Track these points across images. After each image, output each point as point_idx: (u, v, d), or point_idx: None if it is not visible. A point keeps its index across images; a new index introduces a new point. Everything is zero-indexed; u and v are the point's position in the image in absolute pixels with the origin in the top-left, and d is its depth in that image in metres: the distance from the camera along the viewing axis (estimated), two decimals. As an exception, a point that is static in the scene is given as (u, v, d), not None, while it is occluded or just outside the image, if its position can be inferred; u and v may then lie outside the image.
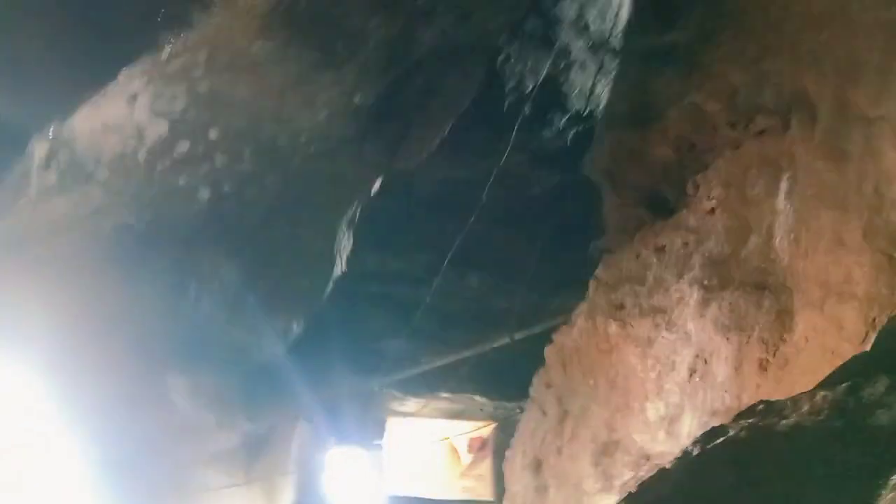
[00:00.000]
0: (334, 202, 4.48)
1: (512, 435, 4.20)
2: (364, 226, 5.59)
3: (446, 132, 4.73)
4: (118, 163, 3.34)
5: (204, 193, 3.44)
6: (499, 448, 7.59)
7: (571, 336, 3.47)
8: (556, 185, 6.77)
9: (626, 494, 2.91)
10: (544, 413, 3.60)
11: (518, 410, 4.82)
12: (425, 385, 7.35)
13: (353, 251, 5.54)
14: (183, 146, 3.22)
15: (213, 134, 3.24)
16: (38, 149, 3.40)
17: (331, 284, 5.22)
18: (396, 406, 7.76)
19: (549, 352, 3.66)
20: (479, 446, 8.10)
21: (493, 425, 7.89)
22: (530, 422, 3.71)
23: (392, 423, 7.83)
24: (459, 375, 7.23)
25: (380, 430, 7.75)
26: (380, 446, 7.72)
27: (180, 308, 4.12)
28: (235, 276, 4.17)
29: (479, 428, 7.86)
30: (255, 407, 4.85)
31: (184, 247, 3.75)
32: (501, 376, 6.59)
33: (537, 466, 3.51)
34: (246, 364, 4.79)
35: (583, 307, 3.45)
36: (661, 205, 3.42)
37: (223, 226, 3.74)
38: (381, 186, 5.50)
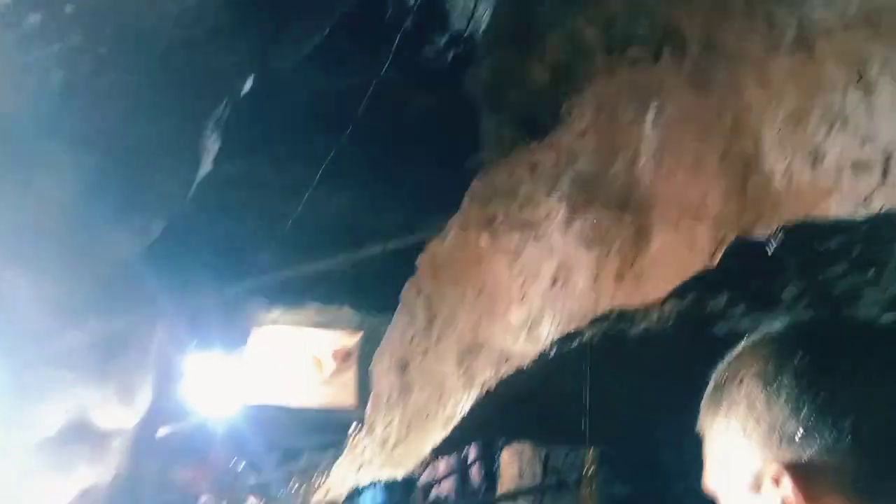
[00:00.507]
0: (202, 98, 4.16)
1: (378, 346, 4.25)
2: (233, 127, 5.29)
3: (325, 33, 4.47)
4: (-41, 32, 2.86)
5: (56, 75, 3.05)
6: (364, 358, 7.68)
7: (444, 246, 3.50)
8: (433, 105, 6.71)
9: (486, 391, 3.05)
10: (413, 317, 3.65)
11: (386, 323, 4.87)
12: (292, 294, 7.22)
13: (219, 153, 5.25)
14: (33, 18, 2.79)
15: (68, 7, 2.84)
16: None
17: (195, 185, 4.94)
18: (262, 314, 7.62)
19: (421, 260, 3.68)
20: (343, 356, 8.18)
21: (359, 335, 7.96)
22: (399, 326, 3.75)
23: (256, 332, 7.71)
24: (328, 286, 7.14)
25: (243, 338, 7.60)
26: (242, 354, 7.59)
27: (24, 202, 3.71)
28: (90, 171, 3.80)
29: (345, 338, 7.91)
30: (109, 307, 4.54)
31: (33, 135, 3.34)
32: (370, 288, 6.60)
33: (404, 367, 3.57)
34: (100, 264, 4.45)
35: (457, 219, 3.48)
36: (537, 126, 3.48)
37: (78, 114, 3.36)
38: (253, 88, 5.20)
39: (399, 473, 3.38)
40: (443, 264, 3.48)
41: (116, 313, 4.50)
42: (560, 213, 2.92)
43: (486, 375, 3.01)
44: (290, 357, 7.86)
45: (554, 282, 2.89)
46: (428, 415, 3.35)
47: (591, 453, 5.40)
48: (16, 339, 3.99)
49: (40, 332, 4.06)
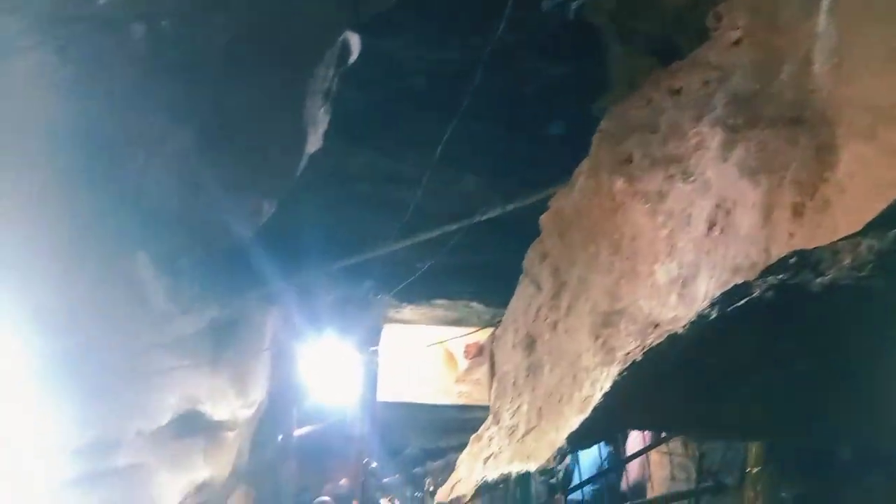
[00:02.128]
0: (299, 61, 3.98)
1: None
2: (343, 101, 5.13)
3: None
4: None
5: (138, 29, 2.91)
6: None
7: (571, 198, 3.10)
8: (557, 71, 6.27)
9: (628, 364, 2.61)
10: (538, 287, 3.27)
11: None
12: (420, 292, 7.13)
13: (329, 129, 5.10)
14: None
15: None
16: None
17: (304, 162, 4.80)
18: (391, 313, 7.61)
19: (544, 220, 3.30)
20: (475, 352, 8.06)
21: (491, 331, 7.79)
22: (523, 297, 3.39)
23: (386, 330, 7.73)
24: (455, 280, 6.96)
25: (374, 335, 7.61)
26: (373, 352, 7.58)
27: (131, 181, 3.69)
28: (191, 146, 3.72)
29: (475, 333, 7.78)
30: (224, 291, 4.52)
31: (124, 103, 3.26)
32: (499, 282, 6.32)
33: (530, 344, 3.21)
34: (212, 246, 4.43)
35: (584, 165, 3.06)
36: (676, 48, 3.01)
37: (169, 81, 3.24)
38: (360, 59, 5.03)
39: (531, 466, 3.01)
40: (570, 221, 3.08)
41: (232, 295, 4.45)
42: (714, 141, 2.45)
43: (630, 347, 2.57)
44: (421, 355, 7.83)
45: (711, 226, 2.41)
46: (562, 398, 2.96)
47: (754, 451, 4.76)
48: (133, 322, 4.01)
49: (158, 315, 4.08)
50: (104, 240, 4.11)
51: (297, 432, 7.93)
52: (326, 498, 7.46)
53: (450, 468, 8.88)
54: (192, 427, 4.43)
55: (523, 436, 3.11)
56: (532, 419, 3.10)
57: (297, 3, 3.36)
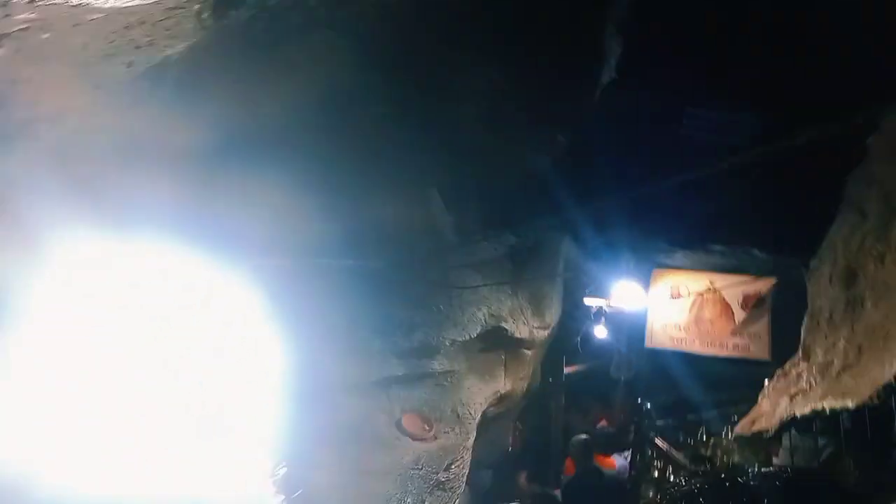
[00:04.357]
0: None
1: (792, 295, 3.74)
2: (636, 32, 5.10)
3: None
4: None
5: None
6: (777, 307, 7.06)
7: (910, 116, 2.86)
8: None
9: None
10: (863, 215, 3.09)
11: (801, 267, 4.28)
12: (696, 236, 6.93)
13: (622, 59, 5.11)
14: None
15: None
16: None
17: (598, 91, 4.90)
18: (664, 258, 7.48)
19: (874, 142, 3.09)
20: (754, 303, 7.63)
21: (772, 282, 7.33)
22: (844, 227, 3.22)
23: (659, 275, 7.62)
24: (733, 226, 6.68)
25: (646, 280, 7.56)
26: (646, 297, 7.58)
27: (440, 113, 4.08)
28: (496, 78, 4.02)
29: (756, 283, 7.36)
30: (520, 221, 4.85)
31: (441, 44, 3.61)
32: (782, 229, 5.94)
33: (851, 277, 3.06)
34: (509, 177, 4.75)
35: (929, 78, 2.81)
36: None
37: (479, 20, 3.52)
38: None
39: (847, 403, 2.92)
40: (909, 141, 2.85)
41: (528, 224, 4.77)
42: None
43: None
44: (694, 303, 7.62)
45: None
46: (887, 334, 2.82)
47: None
48: (441, 248, 4.50)
49: (461, 243, 4.53)
50: (407, 173, 4.63)
51: (567, 369, 8.20)
52: (584, 436, 7.71)
53: (725, 419, 8.62)
54: (496, 342, 4.89)
55: (839, 373, 3.01)
56: (850, 356, 2.99)
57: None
